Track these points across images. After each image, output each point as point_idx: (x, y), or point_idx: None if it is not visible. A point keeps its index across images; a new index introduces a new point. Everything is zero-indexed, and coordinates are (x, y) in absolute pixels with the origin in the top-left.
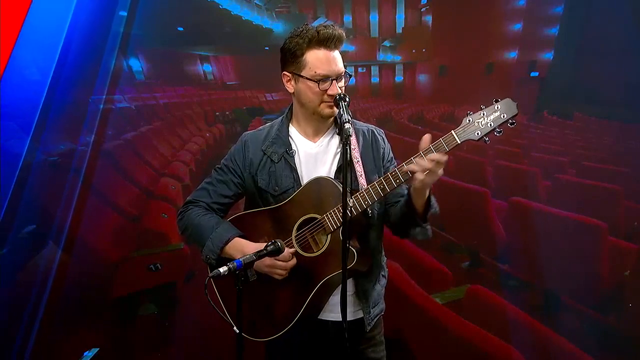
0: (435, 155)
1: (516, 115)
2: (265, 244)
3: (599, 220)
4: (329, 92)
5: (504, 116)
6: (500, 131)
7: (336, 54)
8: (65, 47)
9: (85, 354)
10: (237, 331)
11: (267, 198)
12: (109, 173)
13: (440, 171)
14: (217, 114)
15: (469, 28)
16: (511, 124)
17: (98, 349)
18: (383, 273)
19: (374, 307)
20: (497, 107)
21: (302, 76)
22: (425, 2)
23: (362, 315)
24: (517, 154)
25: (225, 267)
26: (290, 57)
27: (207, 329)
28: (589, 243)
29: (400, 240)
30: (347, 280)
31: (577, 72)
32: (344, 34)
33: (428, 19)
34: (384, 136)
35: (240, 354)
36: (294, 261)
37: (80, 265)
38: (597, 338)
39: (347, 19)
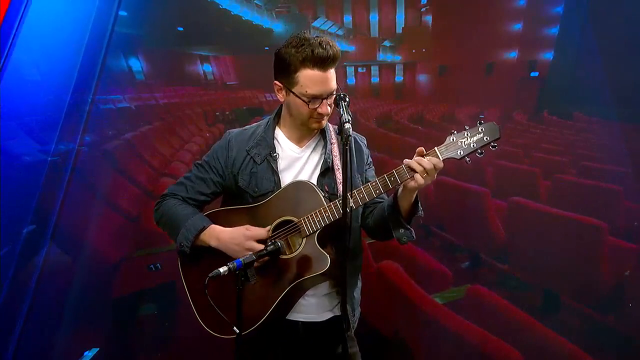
0: (435, 160)
1: (498, 139)
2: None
3: (599, 220)
4: (319, 110)
5: (486, 139)
6: (482, 153)
7: (329, 73)
8: (65, 47)
9: (85, 354)
10: (237, 331)
11: (246, 198)
12: (109, 173)
13: (435, 176)
14: (217, 114)
15: (469, 28)
16: (493, 146)
17: (98, 349)
18: (359, 278)
19: (358, 307)
20: (481, 130)
21: (293, 92)
22: (425, 2)
23: (338, 314)
24: (517, 154)
25: (225, 267)
26: (283, 69)
27: (207, 329)
28: (589, 243)
29: None
30: (326, 281)
31: (577, 72)
32: (340, 51)
33: (428, 19)
34: (365, 143)
35: (239, 353)
36: (263, 232)
37: (81, 265)
38: (597, 338)
39: (347, 19)
